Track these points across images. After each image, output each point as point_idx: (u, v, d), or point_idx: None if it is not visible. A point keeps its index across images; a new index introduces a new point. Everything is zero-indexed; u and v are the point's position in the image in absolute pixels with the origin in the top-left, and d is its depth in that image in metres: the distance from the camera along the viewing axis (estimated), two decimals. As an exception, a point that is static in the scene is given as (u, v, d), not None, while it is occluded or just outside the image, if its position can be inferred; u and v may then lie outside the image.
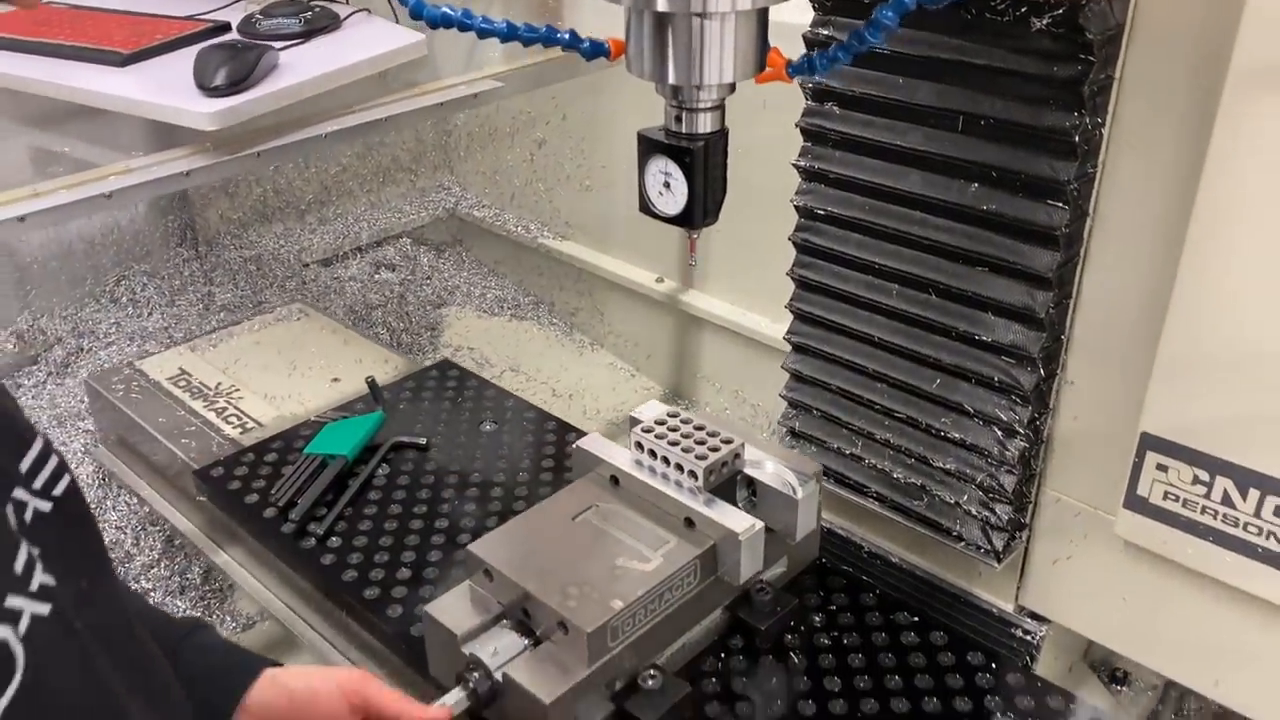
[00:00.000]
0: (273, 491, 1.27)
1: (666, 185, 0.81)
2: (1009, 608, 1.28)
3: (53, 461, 0.69)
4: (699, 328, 1.96)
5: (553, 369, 2.11)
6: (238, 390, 1.51)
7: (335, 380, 1.54)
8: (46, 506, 0.67)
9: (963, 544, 1.23)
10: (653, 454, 1.03)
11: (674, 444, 1.02)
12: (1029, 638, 1.26)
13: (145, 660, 0.75)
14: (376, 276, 2.18)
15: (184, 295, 1.91)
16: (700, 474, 0.99)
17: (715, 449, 1.02)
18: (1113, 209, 1.05)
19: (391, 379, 1.53)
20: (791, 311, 1.29)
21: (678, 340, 2.02)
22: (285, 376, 1.54)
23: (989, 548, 1.21)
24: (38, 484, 0.67)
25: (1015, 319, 1.10)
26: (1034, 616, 1.28)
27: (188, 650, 0.84)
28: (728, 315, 1.89)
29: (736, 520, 0.97)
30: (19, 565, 0.61)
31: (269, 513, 1.26)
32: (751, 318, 1.85)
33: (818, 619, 1.07)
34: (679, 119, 0.80)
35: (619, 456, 1.06)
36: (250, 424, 1.44)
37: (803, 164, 1.21)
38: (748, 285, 1.85)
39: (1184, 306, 0.99)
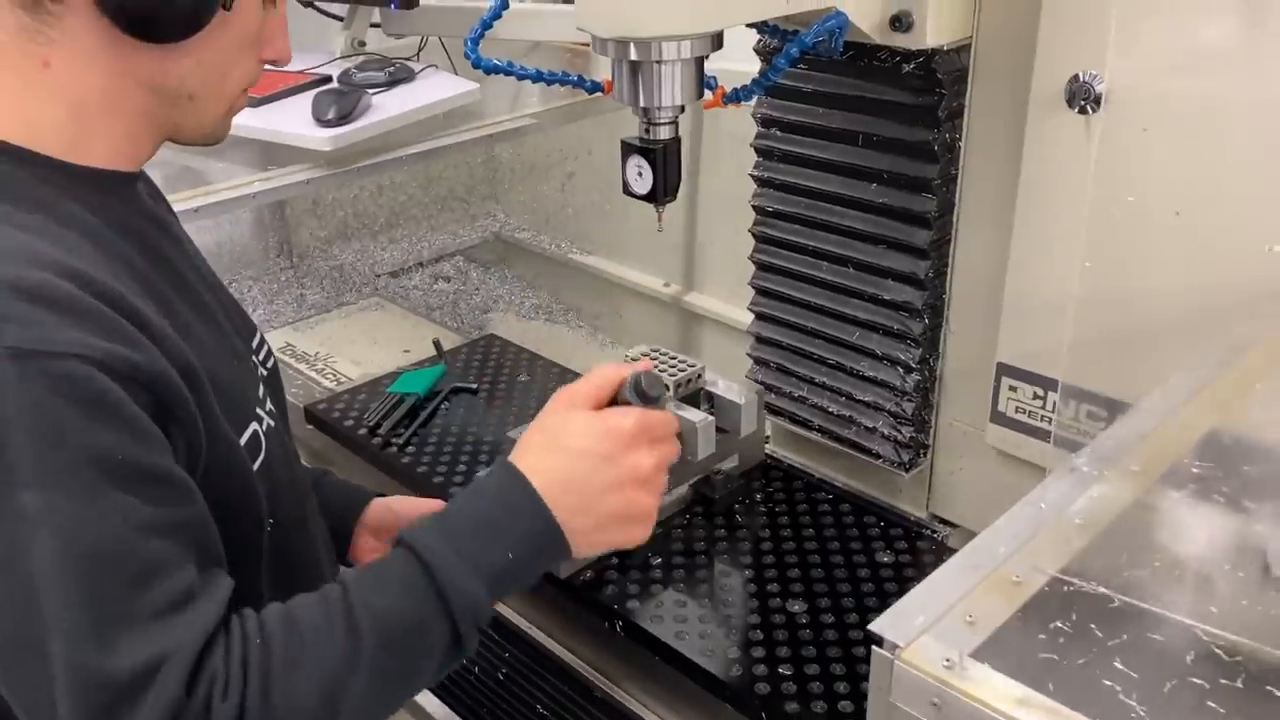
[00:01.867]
0: (365, 417, 1.71)
1: (639, 174, 1.23)
2: (923, 515, 1.67)
3: (266, 345, 1.13)
4: (699, 323, 2.37)
5: (581, 363, 2.52)
6: (333, 357, 1.95)
7: (406, 351, 1.97)
8: (265, 372, 1.10)
9: (880, 460, 1.62)
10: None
11: (657, 368, 1.43)
12: (936, 535, 1.64)
13: (307, 481, 1.17)
14: (435, 287, 2.62)
15: (281, 295, 2.36)
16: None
17: (683, 369, 1.42)
18: (971, 197, 1.45)
19: (450, 347, 1.97)
20: (753, 287, 1.70)
21: (683, 335, 2.43)
22: (368, 347, 1.97)
23: (899, 460, 1.60)
24: (260, 356, 1.10)
25: (906, 282, 1.50)
26: (943, 522, 1.66)
27: (322, 484, 1.26)
28: (723, 311, 2.29)
29: (696, 415, 1.37)
30: (260, 393, 1.03)
31: (362, 432, 1.69)
32: (743, 313, 2.26)
33: (759, 496, 1.46)
34: (647, 130, 1.22)
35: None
36: (344, 379, 1.88)
37: (757, 173, 1.63)
38: (739, 286, 2.26)
39: (1016, 267, 1.39)
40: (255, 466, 0.96)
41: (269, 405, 1.04)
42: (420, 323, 2.10)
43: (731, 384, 1.44)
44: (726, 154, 2.08)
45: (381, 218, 2.58)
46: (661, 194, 1.22)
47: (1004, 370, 1.45)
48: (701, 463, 1.40)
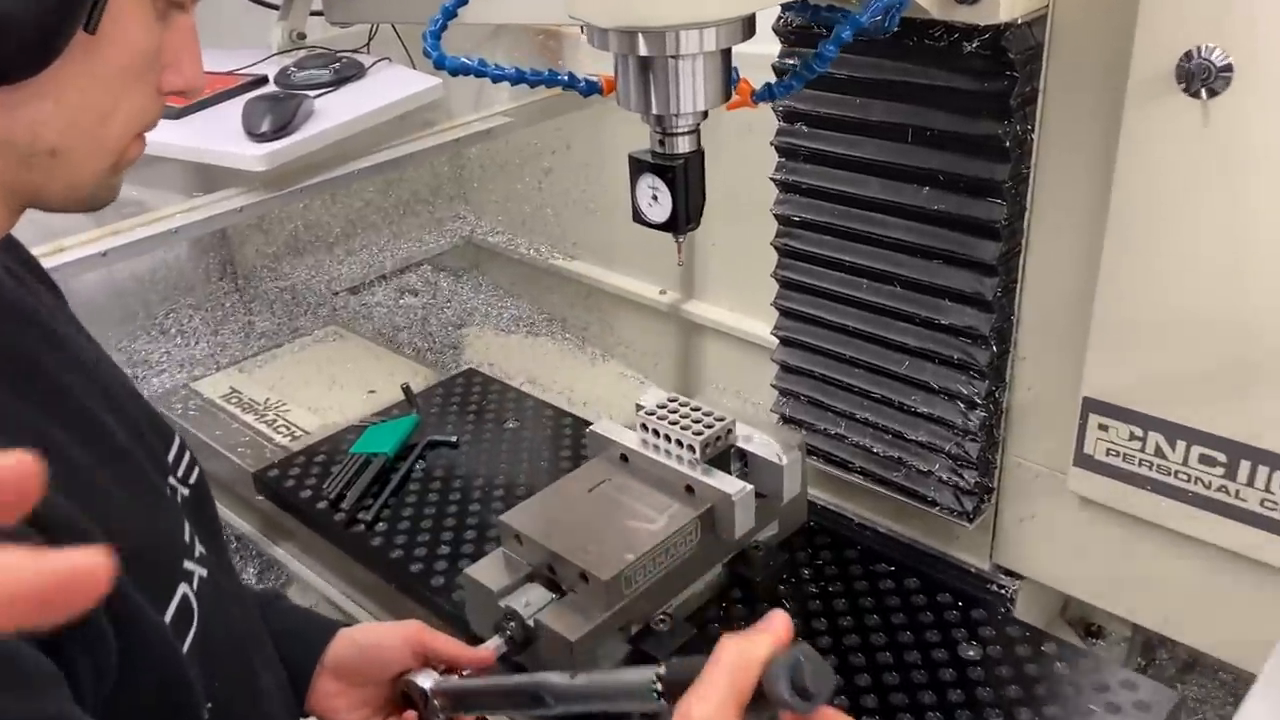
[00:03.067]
0: (324, 487, 1.44)
1: (654, 198, 0.97)
2: (985, 566, 1.43)
3: (187, 454, 0.86)
4: (700, 334, 2.12)
5: (568, 380, 2.27)
6: (284, 404, 1.68)
7: (371, 392, 1.70)
8: (187, 491, 0.84)
9: (937, 508, 1.38)
10: (656, 434, 1.19)
11: (674, 423, 1.18)
12: (1004, 591, 1.40)
13: (255, 618, 0.91)
14: (401, 302, 2.35)
15: (226, 325, 2.08)
16: (698, 448, 1.15)
17: (710, 425, 1.17)
18: (1046, 202, 1.20)
19: (422, 387, 1.70)
20: (777, 309, 1.45)
21: (682, 347, 2.18)
22: (326, 390, 1.71)
23: (960, 509, 1.36)
24: (180, 472, 0.84)
25: (968, 303, 1.25)
26: (1008, 573, 1.43)
27: (272, 615, 1.00)
28: (726, 321, 2.04)
29: (729, 485, 1.12)
30: (186, 536, 0.77)
31: (321, 505, 1.43)
32: (748, 322, 2.01)
33: (807, 572, 1.22)
34: (662, 142, 0.96)
35: (627, 437, 1.21)
36: (298, 432, 1.61)
37: (778, 177, 1.37)
38: (743, 293, 2.00)
39: (1109, 284, 1.14)
40: (186, 646, 0.71)
41: (198, 549, 0.78)
42: (385, 355, 1.83)
43: (766, 438, 1.19)
44: (728, 140, 1.82)
45: (336, 228, 2.30)
46: (683, 221, 0.96)
47: (1092, 406, 1.21)
48: (738, 539, 1.15)
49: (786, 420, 1.49)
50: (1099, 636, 1.59)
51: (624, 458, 1.21)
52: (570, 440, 1.54)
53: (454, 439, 1.54)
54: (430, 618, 1.28)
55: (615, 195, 2.17)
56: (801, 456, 1.17)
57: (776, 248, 1.41)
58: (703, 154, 0.99)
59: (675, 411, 1.20)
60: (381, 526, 1.37)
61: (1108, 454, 1.22)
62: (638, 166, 0.98)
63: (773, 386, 1.49)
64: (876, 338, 1.35)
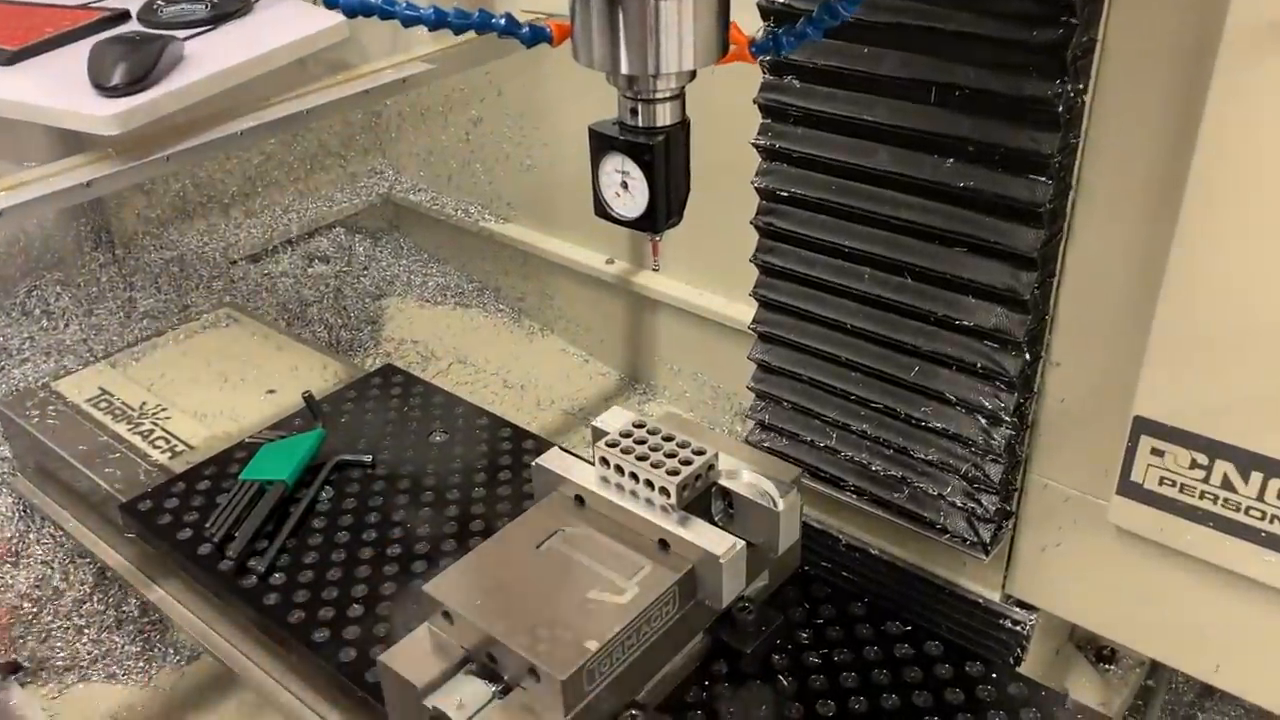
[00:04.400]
0: (208, 525, 1.17)
1: (624, 185, 0.72)
2: (995, 597, 1.23)
3: None
4: (654, 310, 1.88)
5: (502, 359, 2.02)
6: (164, 410, 1.40)
7: (270, 392, 1.44)
8: None
9: (947, 536, 1.17)
10: (620, 470, 0.95)
11: (643, 459, 0.94)
12: (1019, 628, 1.21)
13: None
14: (310, 270, 2.07)
15: (103, 303, 1.79)
16: (673, 491, 0.92)
17: (687, 461, 0.94)
18: (1097, 180, 0.98)
19: (331, 387, 1.43)
20: (756, 299, 1.22)
21: (632, 323, 1.94)
22: (216, 391, 1.43)
23: (975, 540, 1.15)
24: None
25: (998, 301, 1.03)
26: (1021, 604, 1.23)
27: None
28: (684, 296, 1.81)
29: (715, 540, 0.89)
30: None
31: (204, 549, 1.16)
32: (709, 297, 1.77)
33: (805, 635, 1.00)
34: (634, 111, 0.71)
35: (583, 474, 0.98)
36: (180, 446, 1.34)
37: (762, 142, 1.13)
38: (704, 265, 1.77)
39: (1179, 284, 0.93)
40: None
41: None
42: (287, 344, 1.56)
43: (755, 475, 0.96)
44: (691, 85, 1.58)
45: (232, 187, 2.00)
46: (663, 216, 0.72)
47: (1145, 427, 1.00)
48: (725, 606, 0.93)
49: (765, 428, 1.27)
50: (1110, 661, 1.41)
51: (579, 500, 0.97)
52: (510, 457, 1.29)
53: (368, 458, 1.28)
54: (340, 700, 1.04)
55: (557, 150, 1.90)
56: (799, 498, 0.94)
57: (758, 227, 1.17)
58: (688, 126, 0.74)
59: (643, 442, 0.96)
60: (278, 578, 1.11)
61: (1160, 483, 1.01)
62: (602, 144, 0.73)
63: (750, 389, 1.27)
64: (880, 338, 1.12)
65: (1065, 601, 1.19)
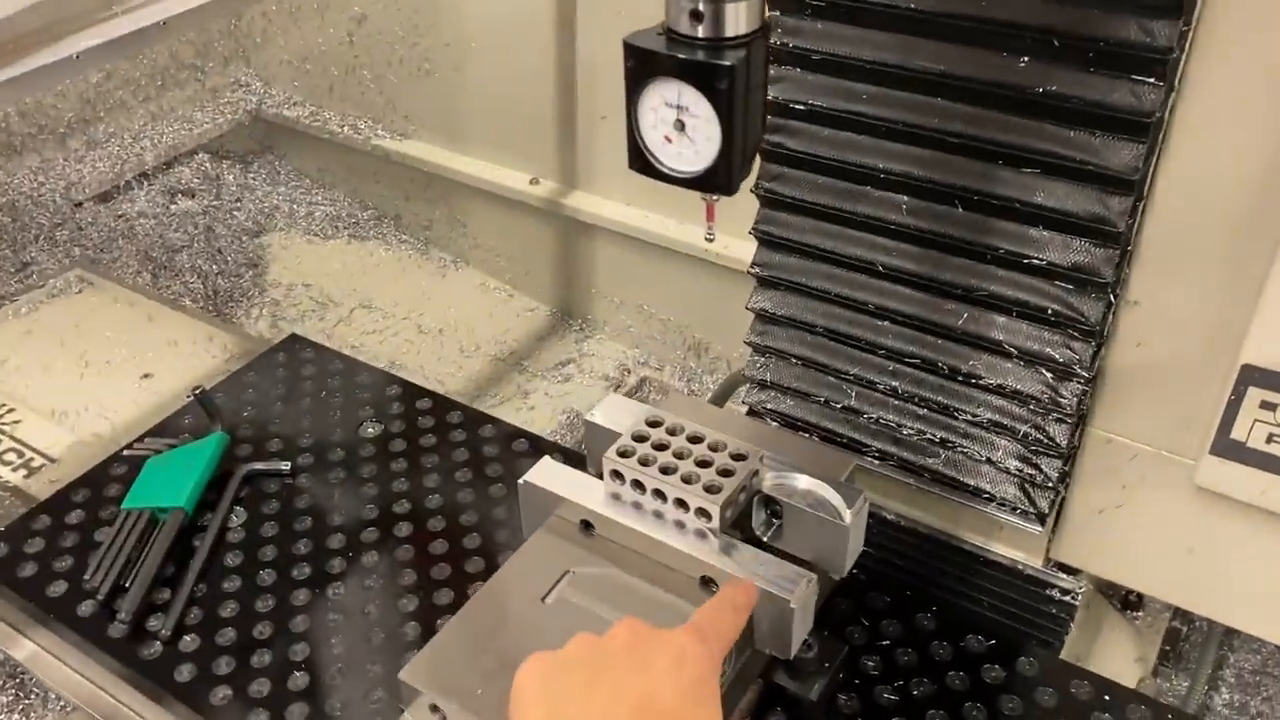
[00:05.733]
0: (87, 575, 0.91)
1: (680, 126, 0.48)
2: (1038, 563, 1.07)
3: None
4: (588, 235, 1.64)
5: (412, 299, 1.76)
6: (10, 411, 1.10)
7: (146, 376, 1.15)
8: None
9: (994, 505, 1.00)
10: (638, 486, 0.74)
11: (668, 470, 0.73)
12: (1068, 598, 1.06)
13: None
14: (173, 208, 1.75)
15: (-87, 268, 1.45)
16: (715, 513, 0.70)
17: (727, 471, 0.72)
18: (1205, 78, 0.78)
19: (222, 365, 1.16)
20: (757, 237, 1.00)
21: (562, 251, 1.70)
22: (75, 379, 1.14)
23: (1031, 510, 0.98)
24: None
25: (1079, 233, 0.84)
26: (1064, 569, 1.08)
27: None
28: (622, 219, 1.57)
29: (778, 575, 0.69)
30: None
31: (85, 608, 0.89)
32: (653, 220, 1.54)
33: (871, 664, 0.81)
34: (697, 14, 0.47)
35: (588, 491, 0.76)
36: (37, 461, 1.05)
37: (771, 41, 0.89)
38: (647, 182, 1.52)
39: (1320, 205, 0.75)
40: None
41: None
42: (158, 311, 1.27)
43: (810, 480, 0.75)
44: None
45: (68, 112, 1.65)
46: (739, 167, 0.49)
47: (1253, 377, 0.84)
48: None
49: (766, 387, 1.07)
50: (1137, 607, 1.28)
51: (586, 526, 0.75)
52: (466, 449, 1.05)
53: (285, 466, 1.02)
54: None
55: (461, 50, 1.62)
56: (866, 504, 0.74)
57: (764, 150, 0.94)
58: (768, 35, 0.50)
59: (664, 447, 0.74)
60: (189, 642, 0.86)
61: (1269, 441, 0.85)
62: (646, 65, 0.49)
63: (748, 344, 1.05)
64: (920, 280, 0.92)
65: (1123, 567, 1.04)
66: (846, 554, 0.74)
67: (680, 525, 0.73)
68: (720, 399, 1.44)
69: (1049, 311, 0.87)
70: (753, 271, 1.01)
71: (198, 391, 1.05)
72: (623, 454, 0.74)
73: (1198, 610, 1.03)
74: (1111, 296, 0.85)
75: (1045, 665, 0.83)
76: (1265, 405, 0.84)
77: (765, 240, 0.99)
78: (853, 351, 0.99)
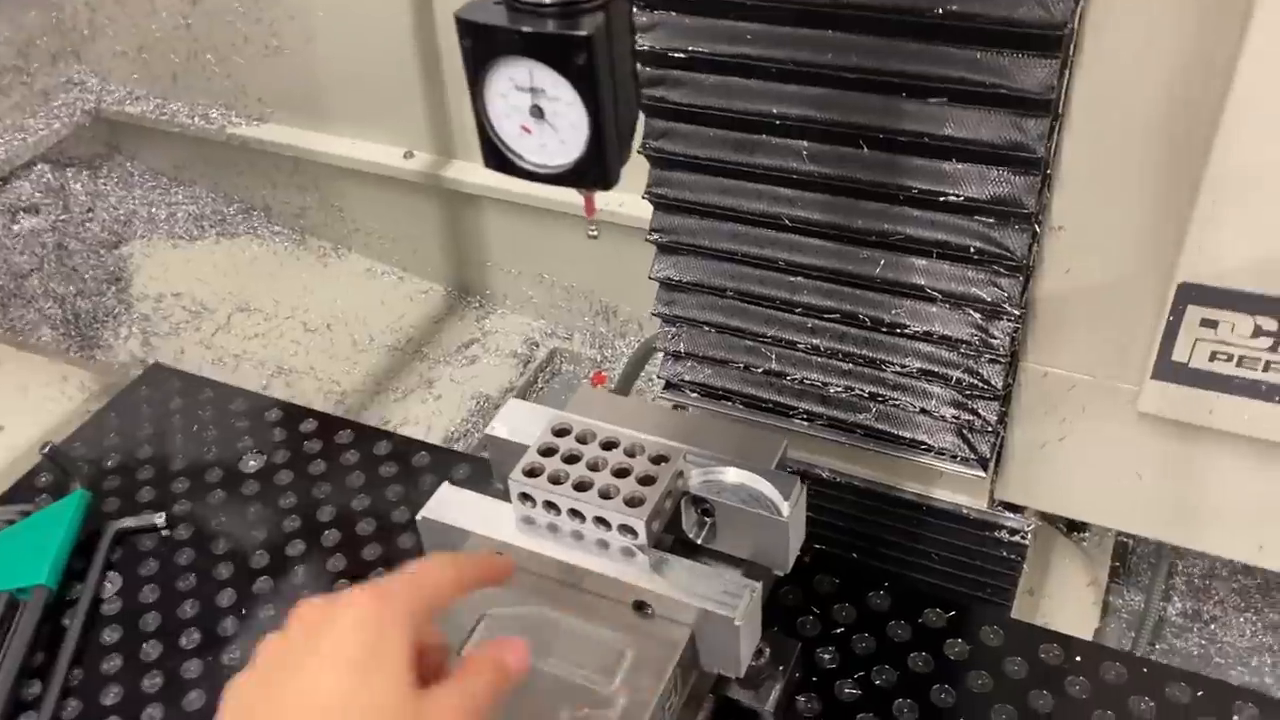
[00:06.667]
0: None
1: (538, 113, 0.40)
2: (983, 505, 1.03)
3: None
4: (474, 206, 1.54)
5: (294, 295, 1.64)
6: None
7: (-4, 430, 1.03)
8: None
9: (933, 455, 0.94)
10: (552, 507, 0.66)
11: (583, 486, 0.65)
12: (1017, 538, 1.01)
13: None
14: (15, 228, 1.59)
15: None
16: (642, 529, 0.63)
17: (649, 479, 0.65)
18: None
19: (79, 409, 1.04)
20: (651, 201, 0.91)
21: (449, 226, 1.59)
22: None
23: (972, 456, 0.93)
24: None
25: (996, 162, 0.77)
26: (1009, 507, 1.04)
27: None
28: (509, 185, 1.46)
29: (719, 589, 0.62)
30: None
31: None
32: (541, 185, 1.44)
33: (828, 656, 0.75)
34: (541, -25, 0.38)
35: (496, 519, 0.67)
36: None
37: (637, -15, 0.80)
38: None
39: (1248, 105, 0.69)
40: None
41: None
42: (2, 351, 1.13)
43: (741, 473, 0.68)
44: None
45: (-124, 137, 1.48)
46: (616, 158, 0.40)
47: (1191, 294, 0.79)
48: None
49: (681, 358, 0.99)
50: (1083, 529, 1.26)
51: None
52: (363, 474, 0.95)
53: (159, 519, 0.91)
54: None
55: (309, 21, 1.48)
56: (804, 492, 0.67)
57: (647, 106, 0.85)
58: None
59: (575, 459, 0.66)
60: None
61: (1211, 359, 0.81)
62: (488, 43, 0.39)
63: (656, 315, 0.98)
64: (830, 230, 0.85)
65: (1072, 499, 1.00)
66: (788, 549, 0.67)
67: (604, 545, 0.65)
68: (633, 371, 1.36)
69: (971, 250, 0.81)
70: (651, 238, 0.93)
71: (46, 450, 0.93)
72: (530, 472, 0.66)
73: (1153, 535, 0.99)
74: (1036, 226, 0.79)
75: (1011, 633, 0.78)
76: (1206, 323, 0.79)
77: (660, 203, 0.91)
78: (768, 312, 0.92)
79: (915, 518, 1.03)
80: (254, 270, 1.69)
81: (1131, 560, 1.28)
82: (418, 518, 0.68)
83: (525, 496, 0.66)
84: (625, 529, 0.64)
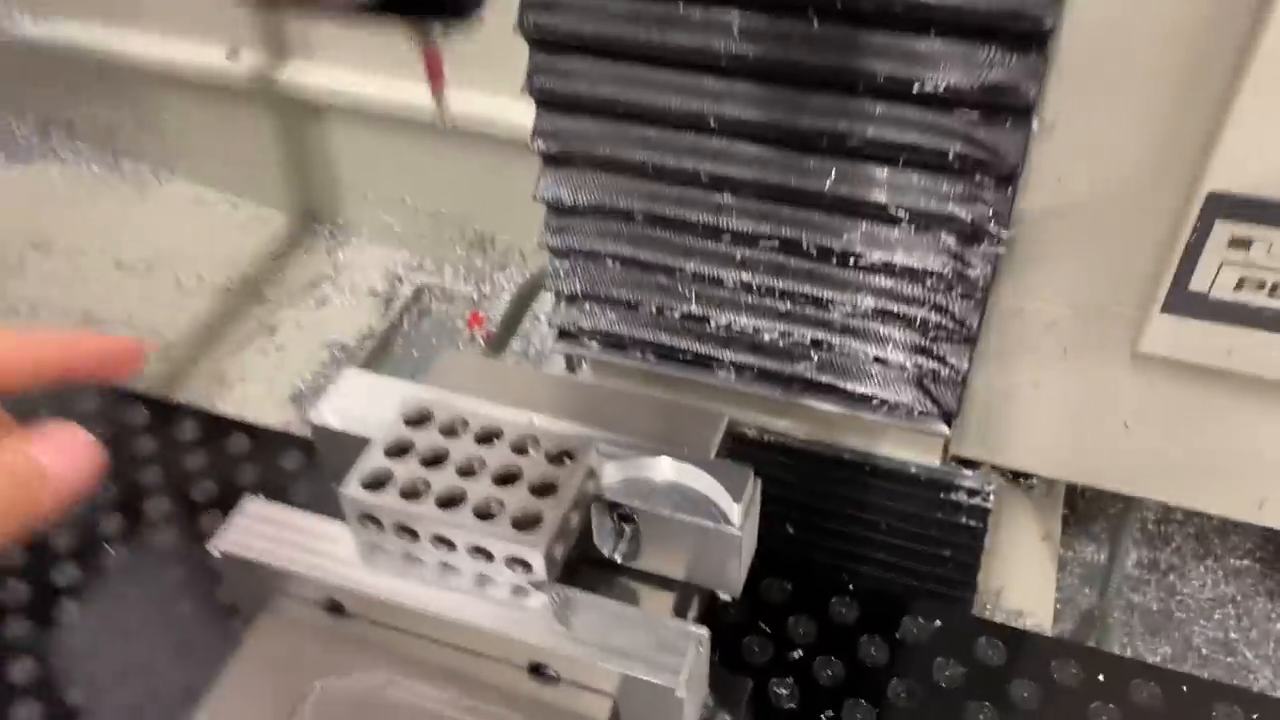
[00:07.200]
0: None
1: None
2: (935, 462, 0.87)
3: None
4: (318, 117, 1.29)
5: (105, 229, 1.38)
6: None
7: None
8: None
9: (885, 409, 0.77)
10: (408, 533, 0.46)
11: (451, 501, 0.45)
12: (977, 499, 0.86)
13: None
14: None
15: None
16: (538, 563, 0.44)
17: (548, 486, 0.45)
18: None
19: None
20: (534, 96, 0.70)
21: (289, 142, 1.34)
22: None
23: (932, 410, 0.77)
24: None
25: (987, 36, 0.59)
26: (962, 463, 0.89)
27: None
28: (358, 90, 1.23)
29: (648, 644, 0.44)
30: None
31: None
32: (400, 87, 1.21)
33: (784, 691, 0.58)
34: None
35: (324, 548, 0.47)
36: None
37: None
38: (382, 40, 1.19)
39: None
40: None
41: None
42: None
43: (674, 465, 0.49)
44: None
45: None
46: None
47: (1221, 207, 0.63)
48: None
49: (575, 300, 0.79)
50: (1028, 477, 1.12)
51: (336, 610, 0.47)
52: (162, 461, 0.73)
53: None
54: None
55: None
56: (757, 491, 0.49)
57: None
58: None
59: (439, 460, 0.47)
60: None
61: (1239, 287, 0.65)
62: None
63: (544, 247, 0.77)
64: (768, 132, 0.66)
65: (1042, 454, 0.85)
66: (740, 566, 0.49)
67: (483, 584, 0.46)
68: (516, 313, 1.16)
69: (950, 154, 0.63)
70: (536, 146, 0.72)
71: None
72: (373, 483, 0.46)
73: (1138, 493, 0.85)
74: (1035, 122, 0.62)
75: (1016, 648, 0.61)
76: (1236, 243, 0.63)
77: (546, 99, 0.70)
78: (686, 240, 0.73)
79: (858, 480, 0.87)
80: (54, 202, 1.41)
81: (1081, 505, 1.15)
82: (213, 552, 0.47)
83: (368, 519, 0.46)
84: (515, 562, 0.45)
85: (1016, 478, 1.11)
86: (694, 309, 0.76)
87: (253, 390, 1.19)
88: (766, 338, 0.75)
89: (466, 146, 1.20)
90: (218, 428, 0.74)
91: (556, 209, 0.74)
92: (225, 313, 1.29)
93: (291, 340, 1.26)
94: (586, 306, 0.79)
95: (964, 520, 0.86)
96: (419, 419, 0.49)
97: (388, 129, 1.25)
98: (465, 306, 1.32)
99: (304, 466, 0.72)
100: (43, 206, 1.39)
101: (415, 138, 1.24)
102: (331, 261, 1.36)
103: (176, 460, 0.74)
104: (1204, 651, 1.05)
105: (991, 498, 0.87)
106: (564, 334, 0.81)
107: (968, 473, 0.87)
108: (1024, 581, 1.00)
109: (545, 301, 1.21)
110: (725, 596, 0.51)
